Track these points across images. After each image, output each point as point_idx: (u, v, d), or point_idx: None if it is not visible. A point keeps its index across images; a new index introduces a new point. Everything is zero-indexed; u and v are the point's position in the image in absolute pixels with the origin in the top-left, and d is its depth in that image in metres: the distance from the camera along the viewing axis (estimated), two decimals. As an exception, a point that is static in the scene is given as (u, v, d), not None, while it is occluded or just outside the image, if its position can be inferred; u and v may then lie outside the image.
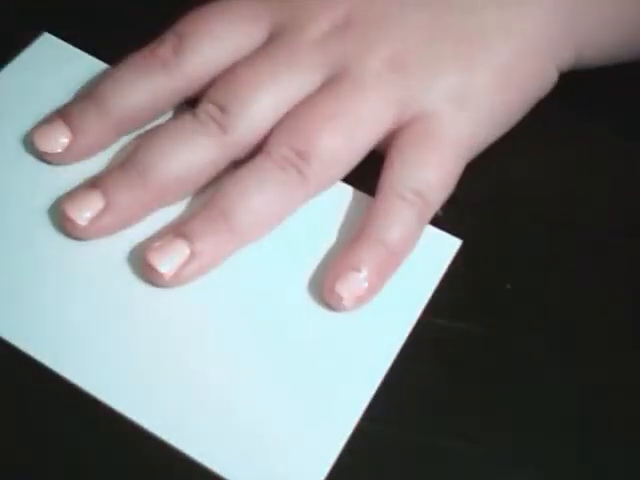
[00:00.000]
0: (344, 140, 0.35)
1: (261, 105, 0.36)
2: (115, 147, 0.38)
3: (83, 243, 0.35)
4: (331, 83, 0.36)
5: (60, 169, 0.37)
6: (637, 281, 0.36)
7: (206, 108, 0.36)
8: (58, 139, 0.37)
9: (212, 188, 0.36)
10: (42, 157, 0.37)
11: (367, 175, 0.36)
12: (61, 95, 0.38)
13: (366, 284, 0.34)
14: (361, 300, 0.34)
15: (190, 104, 0.37)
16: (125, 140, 0.38)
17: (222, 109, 0.36)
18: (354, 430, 0.32)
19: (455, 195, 0.36)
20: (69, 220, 0.35)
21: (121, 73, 0.37)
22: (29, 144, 0.37)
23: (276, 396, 0.32)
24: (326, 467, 0.31)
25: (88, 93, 0.37)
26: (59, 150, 0.37)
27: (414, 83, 0.36)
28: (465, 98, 0.36)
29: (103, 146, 0.37)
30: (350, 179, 0.37)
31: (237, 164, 0.36)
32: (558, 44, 0.38)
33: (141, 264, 0.34)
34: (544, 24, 0.37)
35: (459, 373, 0.33)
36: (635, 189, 0.39)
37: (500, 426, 0.32)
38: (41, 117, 0.38)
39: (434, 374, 0.33)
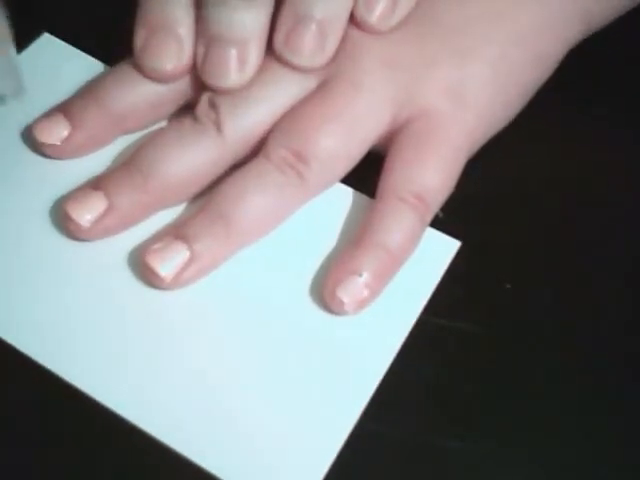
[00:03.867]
0: (342, 141, 0.35)
1: (260, 107, 0.36)
2: (118, 149, 0.38)
3: (84, 243, 0.35)
4: (327, 84, 0.36)
5: (62, 169, 0.37)
6: (638, 281, 0.36)
7: (207, 110, 0.36)
8: (57, 131, 0.37)
9: (211, 190, 0.36)
10: (41, 149, 0.37)
11: (367, 177, 0.36)
12: (61, 95, 0.38)
13: (367, 288, 0.34)
14: (362, 304, 0.34)
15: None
16: (127, 142, 0.38)
17: (223, 110, 0.36)
18: (353, 430, 0.32)
19: (455, 195, 0.36)
20: (71, 221, 0.35)
21: (123, 70, 0.37)
22: (29, 139, 0.37)
23: (274, 396, 0.32)
24: (324, 467, 0.31)
25: (89, 88, 0.38)
26: (58, 142, 0.37)
27: (410, 81, 0.36)
28: (462, 94, 0.36)
29: (102, 141, 0.37)
30: (350, 181, 0.37)
31: (236, 167, 0.36)
32: (562, 22, 0.38)
33: (140, 266, 0.34)
34: (543, 7, 0.37)
35: (459, 373, 0.33)
36: (636, 188, 0.39)
37: (500, 426, 0.32)
38: (41, 117, 0.38)
39: (433, 374, 0.33)
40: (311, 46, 0.35)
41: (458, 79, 0.36)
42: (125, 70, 0.37)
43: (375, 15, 0.36)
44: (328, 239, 0.36)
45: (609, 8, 0.39)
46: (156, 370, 0.33)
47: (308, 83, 0.36)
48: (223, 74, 0.35)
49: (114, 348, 0.33)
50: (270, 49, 0.36)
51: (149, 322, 0.34)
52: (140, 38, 0.36)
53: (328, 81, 0.36)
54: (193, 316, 0.34)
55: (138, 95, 0.37)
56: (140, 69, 0.37)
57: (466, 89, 0.36)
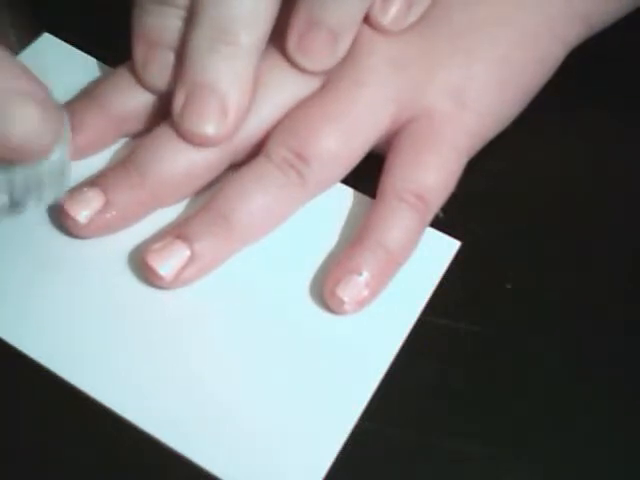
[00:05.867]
0: (343, 141, 0.35)
1: (263, 107, 0.36)
2: (118, 147, 0.38)
3: (84, 243, 0.35)
4: (330, 82, 0.36)
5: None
6: (638, 280, 0.36)
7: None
8: None
9: (212, 190, 0.36)
10: None
11: (367, 177, 0.36)
12: (61, 95, 0.38)
13: (367, 288, 0.34)
14: (362, 304, 0.34)
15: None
16: (128, 141, 0.38)
17: None
18: (353, 430, 0.32)
19: (455, 195, 0.36)
20: (69, 217, 0.35)
21: (123, 72, 0.37)
22: None
23: (275, 396, 0.32)
24: (324, 467, 0.31)
25: (89, 92, 0.38)
26: None
27: (413, 82, 0.36)
28: (464, 95, 0.36)
29: (103, 144, 0.37)
30: (351, 181, 0.37)
31: (236, 166, 0.36)
32: (563, 25, 0.38)
33: (141, 266, 0.34)
34: (545, 10, 0.37)
35: (459, 373, 0.33)
36: (636, 188, 0.39)
37: (500, 426, 0.32)
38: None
39: (433, 374, 0.33)
40: (323, 51, 0.35)
41: (461, 80, 0.36)
42: (126, 71, 0.37)
43: (389, 17, 0.36)
44: (328, 239, 0.36)
45: (609, 12, 0.39)
46: (156, 370, 0.33)
47: (313, 83, 0.36)
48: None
49: (114, 348, 0.33)
50: (276, 49, 0.36)
51: (149, 322, 0.34)
52: (139, 54, 0.36)
53: (331, 79, 0.36)
54: (193, 316, 0.34)
55: (140, 96, 0.37)
56: (142, 83, 0.37)
57: (468, 90, 0.36)
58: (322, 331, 0.34)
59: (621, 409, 0.33)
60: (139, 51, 0.36)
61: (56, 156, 0.30)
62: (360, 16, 0.36)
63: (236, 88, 0.34)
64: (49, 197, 0.31)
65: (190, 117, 0.34)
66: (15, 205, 0.31)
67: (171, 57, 0.36)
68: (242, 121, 0.35)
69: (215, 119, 0.34)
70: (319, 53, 0.35)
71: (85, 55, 0.41)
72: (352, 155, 0.36)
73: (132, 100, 0.37)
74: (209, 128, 0.34)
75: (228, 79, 0.34)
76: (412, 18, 0.37)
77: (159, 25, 0.36)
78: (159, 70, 0.36)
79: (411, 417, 0.32)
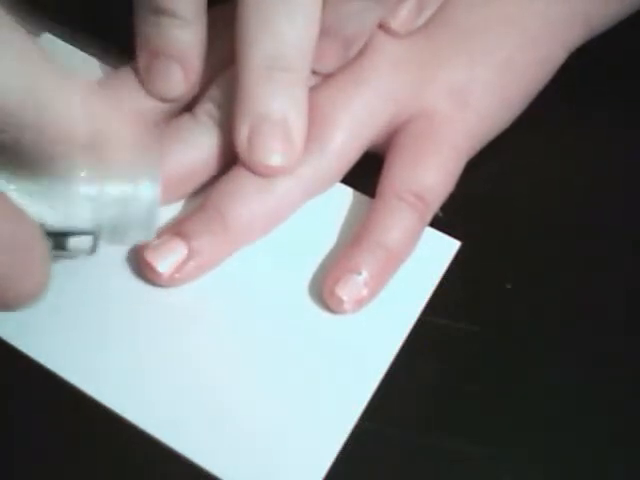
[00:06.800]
0: (340, 138, 0.35)
1: None
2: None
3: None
4: (330, 79, 0.36)
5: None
6: (637, 280, 0.36)
7: (205, 107, 0.36)
8: None
9: (210, 188, 0.36)
10: None
11: (367, 177, 0.36)
12: (61, 95, 0.38)
13: (366, 287, 0.34)
14: (361, 303, 0.34)
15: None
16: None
17: (220, 108, 0.36)
18: (353, 430, 0.32)
19: (455, 195, 0.36)
20: None
21: (129, 73, 0.37)
22: None
23: (275, 396, 0.32)
24: (325, 467, 0.31)
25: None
26: None
27: (414, 82, 0.36)
28: (465, 96, 0.36)
29: None
30: (350, 180, 0.37)
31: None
32: (564, 27, 0.38)
33: (139, 263, 0.34)
34: (546, 12, 0.38)
35: (459, 373, 0.33)
36: (635, 189, 0.39)
37: (500, 426, 0.32)
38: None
39: (434, 374, 0.33)
40: (336, 57, 0.36)
41: (462, 81, 0.36)
42: (131, 71, 0.37)
43: (399, 21, 0.36)
44: (328, 239, 0.36)
45: (610, 14, 0.39)
46: (156, 369, 0.33)
47: (314, 79, 0.36)
48: None
49: (114, 347, 0.33)
50: None
51: (149, 321, 0.34)
52: (142, 61, 0.37)
53: (332, 75, 0.36)
54: (193, 316, 0.34)
55: (148, 101, 0.37)
56: (146, 89, 0.37)
57: (470, 91, 0.36)
58: (322, 331, 0.34)
59: (621, 409, 0.33)
60: (142, 59, 0.37)
61: (147, 196, 0.28)
62: (375, 25, 0.36)
63: (299, 115, 0.34)
64: (133, 239, 0.30)
65: (258, 150, 0.34)
66: (95, 249, 0.29)
67: (172, 65, 0.36)
68: (304, 145, 0.35)
69: (282, 149, 0.34)
70: (331, 59, 0.36)
71: (85, 55, 0.41)
72: (349, 152, 0.36)
73: (137, 102, 0.37)
74: (278, 159, 0.34)
75: (290, 107, 0.34)
76: (420, 22, 0.37)
77: (158, 34, 0.36)
78: (161, 78, 0.36)
79: (411, 417, 0.32)
